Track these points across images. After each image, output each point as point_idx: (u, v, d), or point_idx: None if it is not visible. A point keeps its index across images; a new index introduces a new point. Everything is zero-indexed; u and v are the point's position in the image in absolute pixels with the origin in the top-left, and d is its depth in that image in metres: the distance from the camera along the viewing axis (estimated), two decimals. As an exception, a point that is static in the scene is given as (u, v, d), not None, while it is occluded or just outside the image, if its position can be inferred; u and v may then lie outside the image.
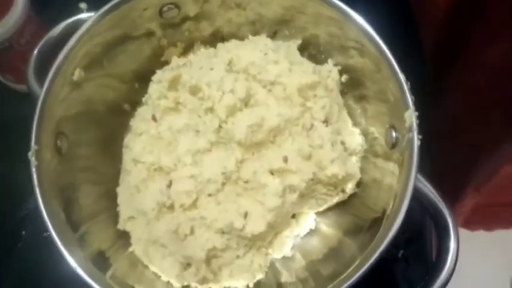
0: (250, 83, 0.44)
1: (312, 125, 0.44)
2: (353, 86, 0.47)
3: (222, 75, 0.43)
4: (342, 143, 0.45)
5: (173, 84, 0.45)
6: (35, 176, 0.36)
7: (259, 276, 0.45)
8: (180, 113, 0.45)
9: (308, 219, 0.48)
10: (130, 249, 0.45)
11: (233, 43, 0.47)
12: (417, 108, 0.37)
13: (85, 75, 0.42)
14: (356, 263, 0.37)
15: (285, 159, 0.43)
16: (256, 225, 0.42)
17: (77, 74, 0.41)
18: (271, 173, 0.43)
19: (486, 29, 0.52)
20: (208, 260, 0.43)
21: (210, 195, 0.43)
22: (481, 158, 0.53)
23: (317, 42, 0.47)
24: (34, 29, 0.50)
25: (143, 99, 0.48)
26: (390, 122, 0.42)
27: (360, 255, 0.38)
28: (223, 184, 0.43)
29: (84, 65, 0.42)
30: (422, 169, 0.37)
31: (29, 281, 0.51)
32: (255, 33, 0.48)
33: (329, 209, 0.47)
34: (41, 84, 0.39)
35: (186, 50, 0.50)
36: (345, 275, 0.36)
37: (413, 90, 0.38)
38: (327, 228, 0.47)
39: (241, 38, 0.48)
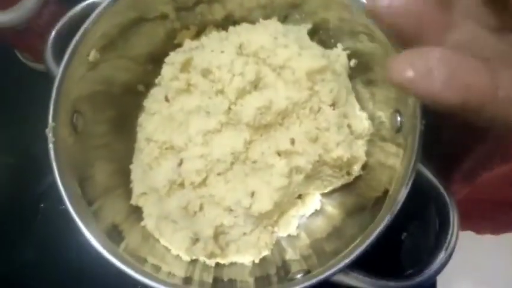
0: (260, 67, 0.45)
1: (319, 108, 0.45)
2: (361, 71, 0.48)
3: (232, 58, 0.44)
4: (349, 126, 0.46)
5: (186, 66, 0.46)
6: (52, 152, 0.38)
7: (265, 252, 0.47)
8: (192, 94, 0.46)
9: (314, 200, 0.49)
10: (142, 223, 0.47)
11: (244, 27, 0.48)
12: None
13: (101, 57, 0.44)
14: (357, 241, 0.38)
15: (292, 141, 0.44)
16: (263, 204, 0.43)
17: (93, 55, 0.43)
18: (279, 154, 0.44)
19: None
20: (216, 236, 0.45)
21: (219, 174, 0.45)
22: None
23: (327, 26, 0.48)
24: (53, 10, 0.51)
25: (156, 81, 0.49)
26: (395, 107, 0.42)
27: (361, 234, 0.39)
28: (232, 164, 0.44)
29: (100, 46, 0.43)
30: (426, 154, 0.38)
31: (48, 250, 0.54)
32: (266, 17, 0.49)
33: (334, 190, 0.49)
34: (59, 64, 0.41)
35: (199, 33, 0.51)
36: (345, 252, 0.38)
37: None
38: (332, 208, 0.49)
39: (253, 22, 0.49)
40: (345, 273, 0.37)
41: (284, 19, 0.49)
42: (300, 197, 0.49)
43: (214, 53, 0.45)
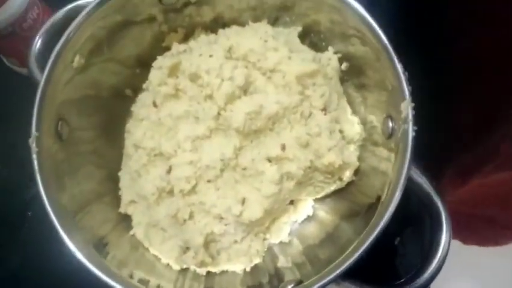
0: (250, 71, 0.44)
1: (310, 113, 0.44)
2: (353, 74, 0.47)
3: (221, 62, 0.43)
4: (341, 131, 0.45)
5: (173, 71, 0.45)
6: (35, 162, 0.37)
7: (257, 260, 0.46)
8: (180, 100, 0.45)
9: (306, 206, 0.49)
10: (131, 232, 0.46)
11: (233, 29, 0.47)
12: (414, 100, 0.37)
13: (87, 60, 0.43)
14: (351, 247, 0.37)
15: (283, 147, 0.43)
16: (253, 212, 0.43)
17: (77, 60, 0.42)
18: (269, 160, 0.43)
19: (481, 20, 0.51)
20: (206, 244, 0.44)
21: (208, 181, 0.44)
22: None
23: (318, 29, 0.47)
24: (37, 14, 0.50)
25: (144, 86, 0.48)
26: (387, 111, 0.42)
27: (355, 240, 0.38)
28: (222, 170, 0.44)
29: (85, 51, 0.42)
30: (418, 160, 0.37)
31: (34, 259, 0.52)
32: (256, 19, 0.48)
33: (327, 195, 0.48)
34: (43, 70, 0.40)
35: (187, 36, 0.50)
36: (340, 259, 0.37)
37: (411, 81, 0.38)
38: (325, 214, 0.48)
39: (242, 24, 0.48)
40: (337, 283, 0.36)
41: (274, 21, 0.48)
42: (292, 202, 0.48)
43: (203, 57, 0.44)
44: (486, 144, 0.52)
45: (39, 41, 0.43)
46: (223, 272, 0.45)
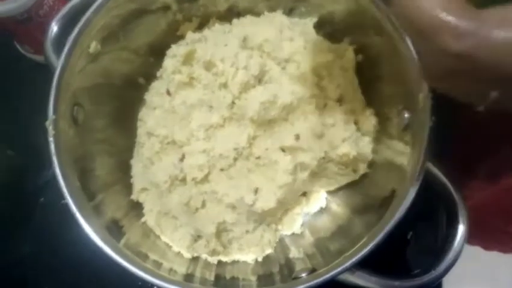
0: (265, 60, 0.44)
1: (325, 104, 0.44)
2: (369, 66, 0.47)
3: (236, 51, 0.43)
4: (355, 122, 0.45)
5: (188, 59, 0.45)
6: (52, 145, 0.37)
7: (268, 251, 0.46)
8: (194, 88, 0.45)
9: (319, 198, 0.48)
10: (143, 219, 0.46)
11: (248, 19, 0.47)
12: (432, 91, 0.37)
13: (101, 48, 0.43)
14: (363, 241, 0.37)
15: (297, 137, 0.43)
16: (266, 202, 0.42)
17: (93, 46, 0.42)
18: (283, 150, 0.43)
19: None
20: (218, 233, 0.44)
21: (221, 170, 0.44)
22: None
23: (334, 20, 0.47)
24: (53, 1, 0.50)
25: (158, 74, 0.48)
26: (403, 103, 0.41)
27: (367, 234, 0.38)
28: (235, 159, 0.44)
29: (100, 38, 0.42)
30: (435, 153, 0.37)
31: (45, 244, 0.53)
32: (271, 9, 0.48)
33: (340, 188, 0.48)
34: (59, 56, 0.40)
35: (201, 25, 0.50)
36: (351, 251, 0.37)
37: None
38: (337, 207, 0.48)
39: (257, 14, 0.48)
40: (351, 272, 0.36)
41: (290, 12, 0.48)
42: (304, 194, 0.48)
43: (218, 45, 0.44)
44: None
45: (56, 27, 0.43)
46: (234, 261, 0.45)
